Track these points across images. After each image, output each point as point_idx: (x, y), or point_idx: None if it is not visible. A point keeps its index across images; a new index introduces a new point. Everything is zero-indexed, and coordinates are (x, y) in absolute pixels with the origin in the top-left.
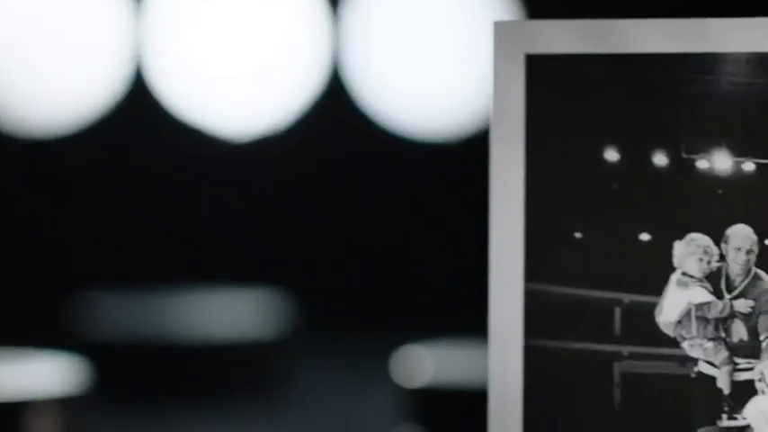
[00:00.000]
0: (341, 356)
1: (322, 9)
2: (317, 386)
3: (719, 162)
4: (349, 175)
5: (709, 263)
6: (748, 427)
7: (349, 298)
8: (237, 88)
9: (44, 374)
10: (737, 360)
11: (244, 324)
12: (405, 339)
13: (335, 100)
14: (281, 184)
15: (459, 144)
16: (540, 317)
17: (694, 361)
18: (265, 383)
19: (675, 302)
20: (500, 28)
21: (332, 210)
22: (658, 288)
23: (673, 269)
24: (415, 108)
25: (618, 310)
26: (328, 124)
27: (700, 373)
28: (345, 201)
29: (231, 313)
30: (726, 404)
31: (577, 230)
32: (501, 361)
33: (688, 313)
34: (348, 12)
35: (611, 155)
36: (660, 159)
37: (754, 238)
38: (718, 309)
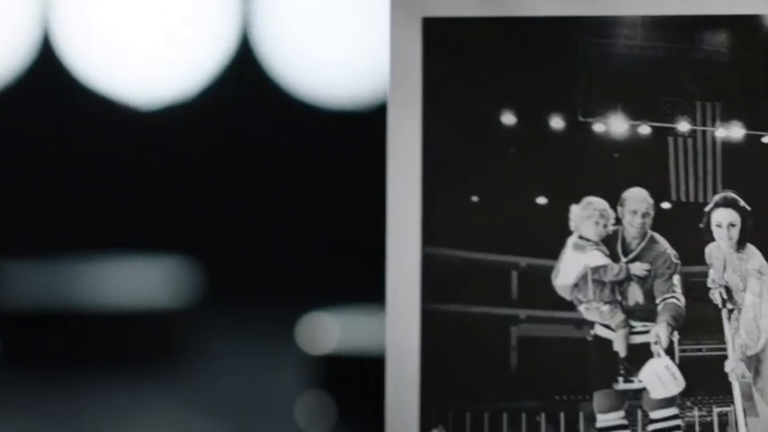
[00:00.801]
0: (247, 324)
1: None
2: (223, 353)
3: (616, 126)
4: (256, 143)
5: (605, 226)
6: (644, 389)
7: (255, 266)
8: (146, 56)
9: None
10: (633, 323)
11: (151, 292)
12: (310, 307)
13: (244, 67)
14: (188, 151)
15: (363, 110)
16: (437, 281)
17: (591, 324)
18: (172, 351)
19: (572, 266)
20: None
21: (239, 177)
22: (555, 251)
23: (569, 232)
24: (321, 75)
25: (515, 274)
26: (236, 92)
27: (596, 337)
28: (252, 168)
29: (138, 281)
30: (622, 367)
31: (474, 194)
32: (398, 325)
33: (584, 276)
34: None
35: (509, 118)
36: (557, 123)
37: (651, 201)
38: (614, 272)
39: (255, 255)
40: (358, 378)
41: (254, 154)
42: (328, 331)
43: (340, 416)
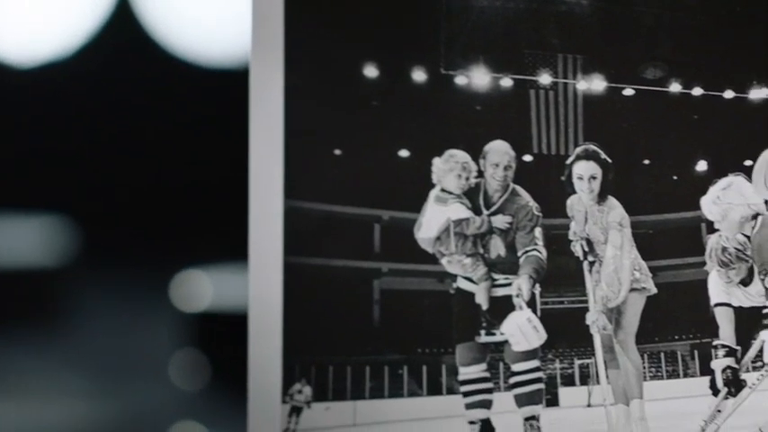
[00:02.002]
0: (120, 283)
1: None
2: (97, 313)
3: (478, 78)
4: (129, 101)
5: (467, 179)
6: (506, 342)
7: (128, 224)
8: (22, 12)
9: None
10: (495, 276)
11: (23, 251)
12: (183, 265)
13: (122, 25)
14: (62, 109)
15: (226, 66)
16: (299, 234)
17: (453, 277)
18: (45, 310)
19: (434, 219)
20: None
21: (113, 136)
22: (417, 205)
23: (432, 186)
24: (190, 30)
25: (377, 227)
26: (112, 48)
27: (458, 290)
28: (127, 126)
29: (10, 240)
30: (484, 320)
31: (337, 148)
32: (261, 279)
33: (447, 229)
34: None
35: (371, 72)
36: (419, 76)
37: (512, 153)
38: (476, 225)
39: (127, 213)
40: (231, 335)
41: (127, 112)
42: (201, 289)
43: (214, 372)
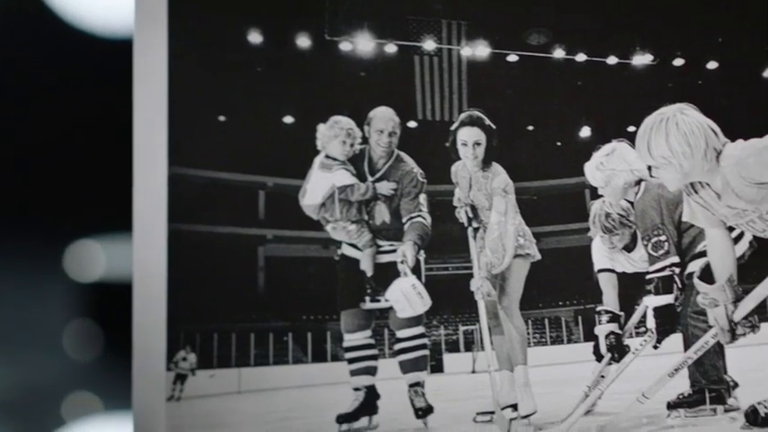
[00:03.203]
0: (11, 255)
1: None
2: None
3: (362, 45)
4: (15, 68)
5: (352, 145)
6: (391, 308)
7: (15, 196)
8: None
9: None
10: (380, 242)
11: None
12: (72, 236)
13: None
14: None
15: (111, 34)
16: (184, 202)
17: (338, 244)
18: None
19: (319, 185)
20: None
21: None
22: (302, 171)
23: (316, 152)
24: (82, 0)
25: (262, 194)
26: (9, 20)
27: (343, 256)
28: (9, 96)
29: None
30: (369, 286)
31: (222, 114)
32: (145, 247)
33: (331, 196)
34: None
35: (255, 38)
36: (303, 42)
37: (397, 120)
38: (361, 191)
39: (13, 184)
40: (119, 304)
41: (9, 81)
42: (90, 259)
43: (107, 342)
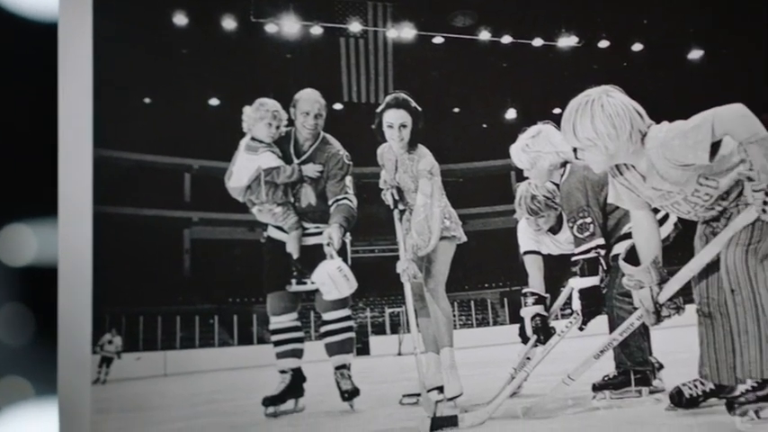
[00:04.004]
0: None
1: None
2: None
3: (287, 26)
4: None
5: (278, 127)
6: (317, 290)
7: None
8: None
9: None
10: (306, 225)
11: None
12: (3, 220)
13: None
14: None
15: (35, 16)
16: (109, 184)
17: (264, 226)
18: None
19: (245, 168)
20: None
21: None
22: (228, 153)
23: (242, 134)
24: None
25: (187, 176)
26: None
27: (269, 239)
28: None
29: None
30: (295, 268)
31: (147, 96)
32: (71, 230)
33: (257, 178)
34: None
35: (180, 19)
36: (229, 24)
37: (322, 102)
38: (286, 173)
39: None
40: (45, 287)
41: None
42: (23, 243)
43: (36, 326)
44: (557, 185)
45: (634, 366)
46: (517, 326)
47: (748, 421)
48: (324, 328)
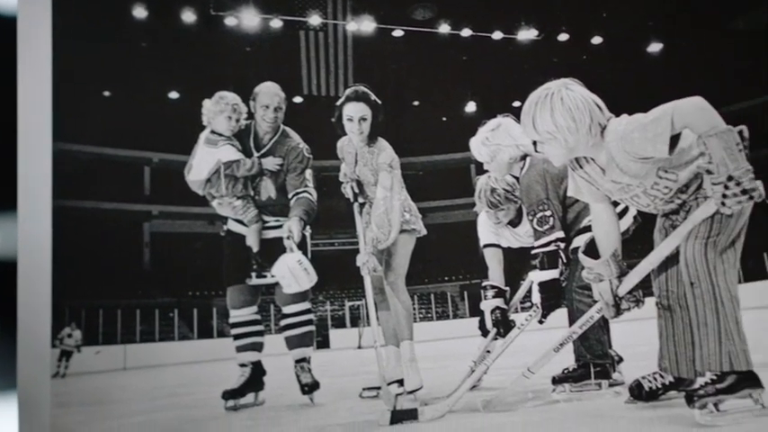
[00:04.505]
0: None
1: None
2: None
3: (247, 19)
4: None
5: (237, 121)
6: (277, 284)
7: None
8: None
9: None
10: (266, 218)
11: None
12: None
13: None
14: None
15: (5, 12)
16: (69, 177)
17: (224, 219)
18: None
19: (205, 161)
20: None
21: None
22: (188, 147)
23: (202, 127)
24: None
25: (147, 170)
26: None
27: (229, 232)
28: None
29: None
30: (255, 262)
31: (107, 89)
32: (30, 223)
33: (217, 171)
34: None
35: (140, 12)
36: (188, 17)
37: (282, 95)
38: (246, 167)
39: None
40: (3, 281)
41: None
42: None
43: None
44: (516, 179)
45: (594, 359)
46: (477, 319)
47: (708, 414)
48: (284, 322)
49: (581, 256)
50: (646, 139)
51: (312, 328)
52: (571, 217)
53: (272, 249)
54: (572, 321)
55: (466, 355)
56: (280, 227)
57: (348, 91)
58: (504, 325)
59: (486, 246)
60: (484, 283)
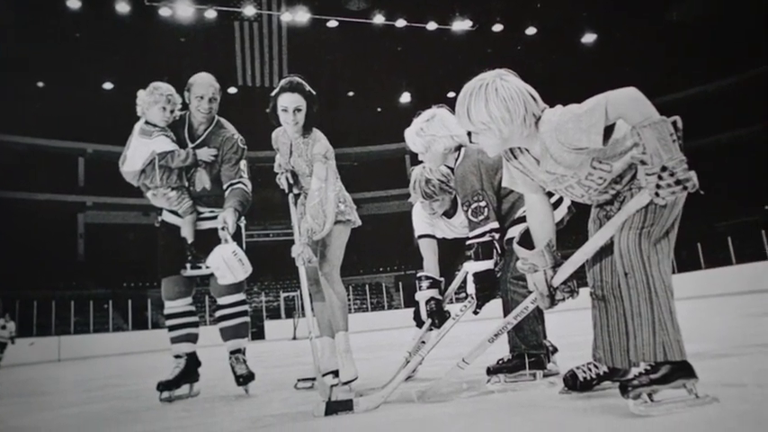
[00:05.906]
0: None
1: None
2: None
3: (182, 10)
4: None
5: (172, 111)
6: (212, 275)
7: None
8: None
9: None
10: (201, 209)
11: None
12: None
13: None
14: None
15: None
16: (2, 168)
17: (158, 210)
18: None
19: (139, 152)
20: None
21: None
22: (122, 137)
23: (136, 118)
24: None
25: (81, 161)
26: None
27: (164, 223)
28: None
29: None
30: (190, 253)
31: (40, 80)
32: None
33: (152, 162)
34: None
35: (73, 3)
36: (123, 7)
37: (217, 86)
38: (181, 158)
39: None
40: None
41: None
42: None
43: None
44: (451, 169)
45: (528, 350)
46: (412, 310)
47: (642, 404)
48: (219, 313)
49: (516, 246)
50: (580, 129)
51: (247, 319)
52: (506, 208)
53: (207, 240)
54: (507, 312)
55: (401, 345)
56: (214, 218)
57: (283, 82)
58: (438, 316)
59: (420, 236)
60: (419, 274)
